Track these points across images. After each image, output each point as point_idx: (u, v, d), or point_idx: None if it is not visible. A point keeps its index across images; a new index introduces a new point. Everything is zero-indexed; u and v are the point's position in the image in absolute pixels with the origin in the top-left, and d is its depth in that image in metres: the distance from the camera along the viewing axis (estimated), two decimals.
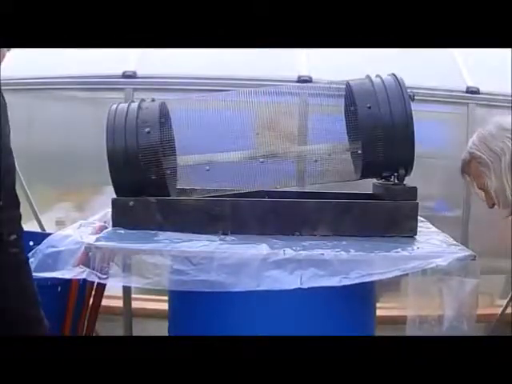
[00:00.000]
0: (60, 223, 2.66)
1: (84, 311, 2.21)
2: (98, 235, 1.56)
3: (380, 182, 1.80)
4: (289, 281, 1.39)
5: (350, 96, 1.68)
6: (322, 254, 1.43)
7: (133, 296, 2.76)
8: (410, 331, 1.48)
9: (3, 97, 1.26)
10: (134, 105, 1.68)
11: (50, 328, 1.33)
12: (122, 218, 1.61)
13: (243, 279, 1.40)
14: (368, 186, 1.89)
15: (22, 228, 1.27)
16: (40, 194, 2.80)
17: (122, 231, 1.58)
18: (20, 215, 1.27)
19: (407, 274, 1.44)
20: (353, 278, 1.39)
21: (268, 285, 1.39)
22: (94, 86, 2.71)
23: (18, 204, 1.26)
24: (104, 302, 2.38)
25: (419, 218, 1.65)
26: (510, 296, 2.80)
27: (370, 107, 1.61)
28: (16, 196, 1.25)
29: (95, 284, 2.15)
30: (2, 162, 1.22)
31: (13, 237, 1.24)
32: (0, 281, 1.23)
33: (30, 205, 2.75)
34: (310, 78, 2.57)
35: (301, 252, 1.43)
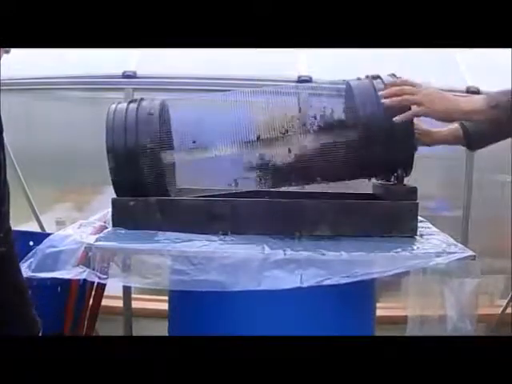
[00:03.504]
0: (60, 223, 2.67)
1: (84, 311, 2.21)
2: (98, 235, 1.56)
3: (380, 181, 1.80)
4: (289, 280, 1.39)
5: (350, 96, 1.68)
6: (323, 254, 1.43)
7: (133, 296, 2.76)
8: (411, 331, 1.48)
9: None
10: (134, 104, 1.68)
11: (44, 327, 1.32)
12: (122, 218, 1.60)
13: (243, 279, 1.40)
14: (368, 186, 1.89)
15: (8, 225, 1.26)
16: (40, 194, 2.81)
17: (122, 231, 1.58)
18: (5, 212, 1.26)
19: (408, 273, 1.44)
20: (353, 276, 1.39)
21: (268, 284, 1.39)
22: (94, 86, 2.71)
23: (2, 201, 1.25)
24: (104, 302, 2.38)
25: (419, 217, 1.65)
26: (510, 296, 2.80)
27: (369, 107, 1.61)
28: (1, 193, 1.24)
29: (95, 284, 2.15)
30: None
31: None
32: None
33: (30, 205, 2.75)
34: (310, 77, 2.57)
35: (301, 252, 1.43)
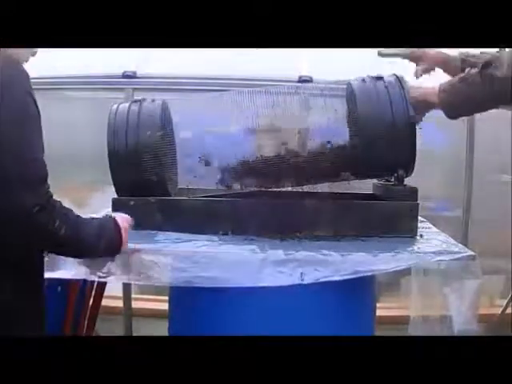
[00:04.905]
0: None
1: (84, 311, 2.21)
2: None
3: (380, 182, 1.80)
4: (289, 278, 1.39)
5: (352, 96, 1.68)
6: (323, 254, 1.43)
7: (133, 296, 2.76)
8: (413, 331, 1.48)
9: (36, 105, 1.28)
10: (135, 105, 1.68)
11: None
12: None
13: (244, 277, 1.40)
14: (368, 186, 1.89)
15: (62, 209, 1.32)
16: None
17: None
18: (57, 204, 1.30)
19: (409, 273, 1.44)
20: (353, 273, 1.39)
21: (269, 281, 1.39)
22: (94, 86, 2.71)
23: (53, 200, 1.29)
24: (104, 302, 2.38)
25: (419, 218, 1.65)
26: (510, 296, 2.80)
27: (371, 107, 1.61)
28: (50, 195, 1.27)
29: (95, 284, 2.15)
30: (30, 169, 1.27)
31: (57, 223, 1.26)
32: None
33: None
34: (311, 77, 2.57)
35: (301, 252, 1.43)
